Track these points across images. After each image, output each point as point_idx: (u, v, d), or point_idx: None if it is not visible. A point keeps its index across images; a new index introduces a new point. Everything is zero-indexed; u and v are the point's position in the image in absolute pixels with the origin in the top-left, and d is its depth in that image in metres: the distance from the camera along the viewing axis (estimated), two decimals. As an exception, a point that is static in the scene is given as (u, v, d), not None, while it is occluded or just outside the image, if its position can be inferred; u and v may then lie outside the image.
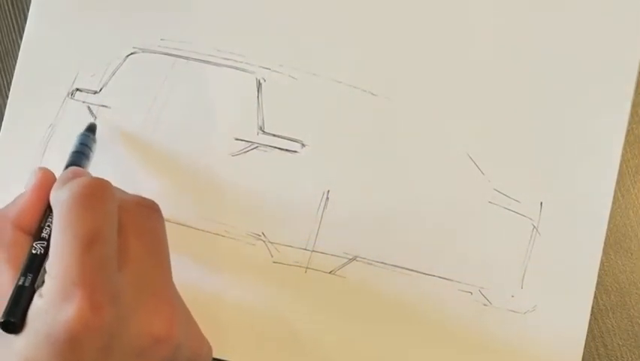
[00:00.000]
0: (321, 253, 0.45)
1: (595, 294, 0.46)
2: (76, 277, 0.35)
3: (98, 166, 0.46)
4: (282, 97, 0.47)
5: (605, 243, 0.46)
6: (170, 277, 0.39)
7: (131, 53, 0.47)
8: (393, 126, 0.47)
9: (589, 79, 0.47)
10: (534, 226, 0.46)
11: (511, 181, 0.46)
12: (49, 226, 0.39)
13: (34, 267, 0.37)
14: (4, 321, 0.35)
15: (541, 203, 0.46)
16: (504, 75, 0.47)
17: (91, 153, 0.45)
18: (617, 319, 0.46)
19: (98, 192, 0.37)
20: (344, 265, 0.46)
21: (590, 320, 0.46)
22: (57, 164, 0.45)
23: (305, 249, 0.46)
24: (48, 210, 0.39)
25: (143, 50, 0.47)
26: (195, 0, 0.48)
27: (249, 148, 0.47)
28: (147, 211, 0.39)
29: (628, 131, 0.47)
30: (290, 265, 0.46)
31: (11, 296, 0.36)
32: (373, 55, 0.47)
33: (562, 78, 0.47)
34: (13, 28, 0.49)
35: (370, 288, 0.46)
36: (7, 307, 0.36)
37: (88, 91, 0.47)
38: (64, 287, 0.35)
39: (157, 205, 0.40)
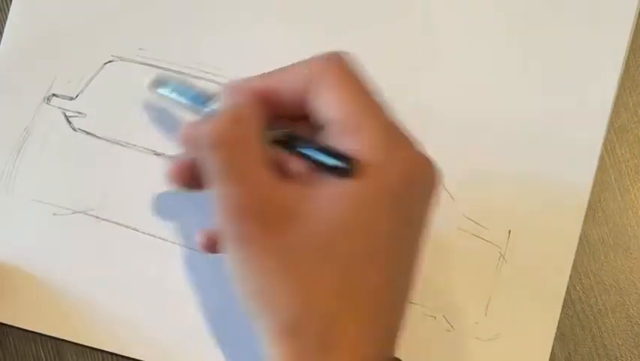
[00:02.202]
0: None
1: (594, 294, 0.46)
2: (395, 122, 0.35)
3: (71, 172, 0.46)
4: (257, 112, 0.47)
5: (604, 243, 0.46)
6: None
7: (109, 61, 0.47)
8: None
9: (561, 107, 0.47)
10: (501, 254, 0.46)
11: (481, 208, 0.46)
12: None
13: (299, 138, 0.36)
14: (348, 162, 0.33)
15: (510, 231, 0.46)
16: (476, 102, 0.47)
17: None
18: (617, 319, 0.46)
19: (350, 56, 0.37)
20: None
21: (590, 320, 0.46)
22: (31, 167, 0.45)
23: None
24: None
25: (121, 59, 0.47)
26: (175, 12, 0.47)
27: (222, 162, 0.47)
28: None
29: (628, 131, 0.47)
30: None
31: (321, 154, 0.34)
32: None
33: (533, 107, 0.47)
34: (-8, 30, 0.49)
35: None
36: (329, 157, 0.34)
37: (64, 97, 0.47)
38: (391, 132, 0.35)
39: None
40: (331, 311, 0.32)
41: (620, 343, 0.46)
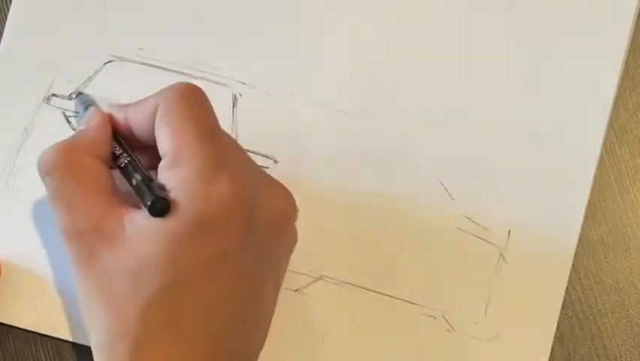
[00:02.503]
0: (288, 270, 0.45)
1: (594, 294, 0.46)
2: (214, 158, 0.36)
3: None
4: (256, 113, 0.47)
5: (603, 243, 0.46)
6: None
7: (109, 61, 0.47)
8: (365, 147, 0.47)
9: (561, 107, 0.47)
10: (501, 254, 0.46)
11: (481, 208, 0.46)
12: (119, 150, 0.40)
13: (135, 169, 0.38)
14: (154, 202, 0.36)
15: (509, 231, 0.46)
16: (477, 102, 0.47)
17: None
18: (616, 319, 0.46)
19: (200, 90, 0.39)
20: (310, 283, 0.46)
21: (589, 320, 0.46)
22: (31, 167, 0.45)
23: (272, 265, 0.46)
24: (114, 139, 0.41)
25: (121, 59, 0.47)
26: (175, 12, 0.47)
27: (222, 162, 0.47)
28: None
29: (627, 131, 0.47)
30: (256, 281, 0.46)
31: (142, 187, 0.37)
32: (349, 75, 0.47)
33: (533, 107, 0.47)
34: (-8, 30, 0.49)
35: (334, 308, 0.46)
36: (146, 193, 0.36)
37: (64, 97, 0.47)
38: (203, 169, 0.36)
39: None
40: (138, 336, 0.35)
41: (619, 343, 0.46)
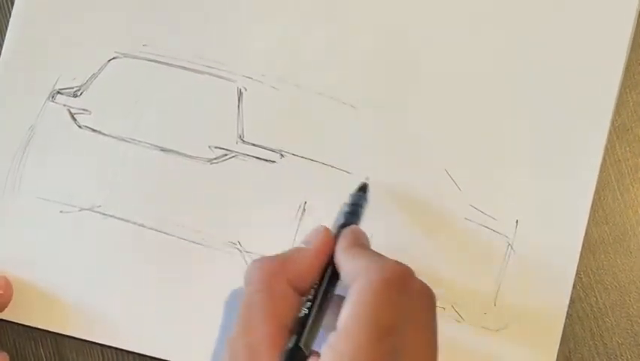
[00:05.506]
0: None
1: (594, 293, 0.46)
2: None
3: (77, 169, 0.46)
4: (262, 107, 0.47)
5: (604, 242, 0.46)
6: None
7: (113, 58, 0.47)
8: (371, 139, 0.47)
9: (567, 99, 0.47)
10: (509, 244, 0.46)
11: (488, 198, 0.46)
12: (317, 286, 0.40)
13: (300, 327, 0.38)
14: None
15: (517, 221, 0.46)
16: (483, 92, 0.47)
17: (362, 212, 0.45)
18: (617, 317, 0.46)
19: (403, 282, 0.38)
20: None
21: (590, 318, 0.46)
22: (37, 165, 0.45)
23: (280, 259, 0.46)
24: (322, 272, 0.40)
25: (125, 55, 0.47)
26: (179, 7, 0.48)
27: (228, 156, 0.47)
28: (428, 302, 0.39)
29: (628, 130, 0.47)
30: (265, 275, 0.46)
31: (285, 358, 0.37)
32: (355, 68, 0.47)
33: (540, 98, 0.47)
34: (-4, 28, 0.49)
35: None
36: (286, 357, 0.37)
37: (69, 94, 0.47)
38: None
39: (434, 296, 0.39)
40: None
41: (620, 342, 0.46)
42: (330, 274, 0.40)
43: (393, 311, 0.37)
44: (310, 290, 0.40)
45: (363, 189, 0.45)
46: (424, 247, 0.46)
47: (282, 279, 0.40)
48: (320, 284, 0.40)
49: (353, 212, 0.44)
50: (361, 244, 0.41)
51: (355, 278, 0.38)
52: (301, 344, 0.37)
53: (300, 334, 0.38)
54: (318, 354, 0.37)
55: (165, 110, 0.47)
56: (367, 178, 0.46)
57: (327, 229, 0.42)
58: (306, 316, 0.39)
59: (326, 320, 0.39)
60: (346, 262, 0.40)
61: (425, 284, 0.39)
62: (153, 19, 0.48)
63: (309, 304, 0.39)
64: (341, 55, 0.47)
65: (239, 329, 0.39)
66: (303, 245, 0.42)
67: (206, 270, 0.46)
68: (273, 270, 0.40)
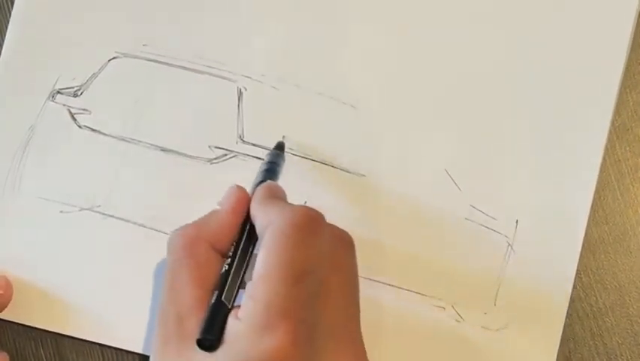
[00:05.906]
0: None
1: (594, 293, 0.46)
2: (282, 308, 0.35)
3: (77, 169, 0.46)
4: (262, 106, 0.47)
5: (604, 241, 0.46)
6: (359, 320, 0.39)
7: (113, 58, 0.47)
8: (371, 140, 0.47)
9: (567, 99, 0.47)
10: (509, 244, 0.46)
11: (488, 198, 0.46)
12: (235, 243, 0.40)
13: (221, 284, 0.39)
14: (201, 338, 0.36)
15: (517, 221, 0.46)
16: (483, 92, 0.47)
17: (279, 171, 0.45)
18: (617, 317, 0.46)
19: (314, 225, 0.38)
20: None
21: (590, 318, 0.46)
22: (37, 165, 0.45)
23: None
24: (239, 229, 0.41)
25: (125, 55, 0.47)
26: (179, 7, 0.48)
27: (228, 156, 0.47)
28: (345, 246, 0.39)
29: (628, 130, 0.47)
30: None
31: (207, 314, 0.37)
32: (355, 68, 0.47)
33: (540, 98, 0.47)
34: (-4, 28, 0.49)
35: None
36: (204, 324, 0.37)
37: (68, 94, 0.47)
38: (268, 315, 0.35)
39: (352, 240, 0.40)
40: None
41: (619, 342, 0.46)
42: (248, 229, 0.40)
43: (306, 254, 0.36)
44: (231, 249, 0.40)
45: (280, 147, 0.45)
46: (424, 247, 0.46)
47: (203, 243, 0.40)
48: (239, 241, 0.40)
49: (270, 169, 0.44)
50: (275, 196, 0.41)
51: (267, 227, 0.38)
52: (223, 298, 0.37)
53: (222, 290, 0.38)
54: None
55: (165, 110, 0.47)
56: (284, 137, 0.46)
57: (240, 187, 0.42)
58: (227, 272, 0.39)
59: (249, 275, 0.39)
60: (259, 214, 0.40)
61: (340, 228, 0.39)
62: (153, 19, 0.48)
63: (229, 260, 0.39)
64: (341, 55, 0.47)
65: (166, 298, 0.39)
66: (218, 207, 0.42)
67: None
68: (192, 235, 0.40)
